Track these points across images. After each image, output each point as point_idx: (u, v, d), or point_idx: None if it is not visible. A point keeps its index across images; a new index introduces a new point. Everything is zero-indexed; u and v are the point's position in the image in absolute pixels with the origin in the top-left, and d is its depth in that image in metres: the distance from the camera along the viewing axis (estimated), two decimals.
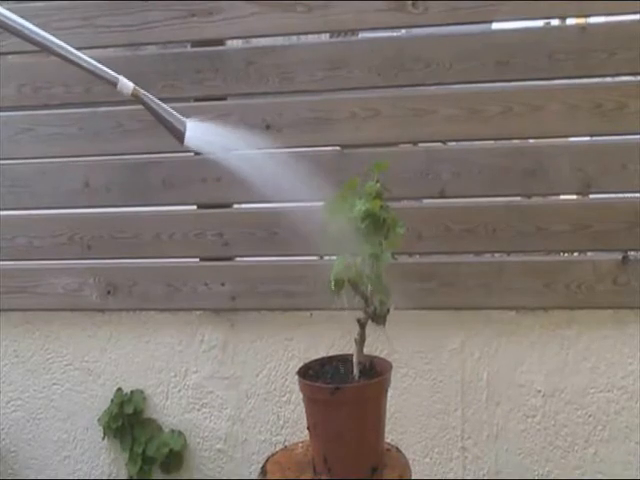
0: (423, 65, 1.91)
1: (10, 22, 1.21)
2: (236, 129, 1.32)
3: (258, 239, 2.04)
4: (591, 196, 1.97)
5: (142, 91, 1.27)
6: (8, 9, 2.11)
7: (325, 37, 2.59)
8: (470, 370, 2.01)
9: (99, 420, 2.21)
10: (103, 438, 2.22)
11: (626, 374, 1.94)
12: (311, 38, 2.46)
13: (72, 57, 1.23)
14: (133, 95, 1.26)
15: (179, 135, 1.29)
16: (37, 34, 1.21)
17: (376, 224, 1.32)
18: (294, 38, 2.37)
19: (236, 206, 2.11)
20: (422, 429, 2.05)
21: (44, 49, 1.23)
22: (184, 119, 1.30)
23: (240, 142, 1.34)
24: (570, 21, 2.02)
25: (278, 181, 1.30)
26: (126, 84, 1.26)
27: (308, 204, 1.34)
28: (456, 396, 2.03)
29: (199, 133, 1.30)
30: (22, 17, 2.08)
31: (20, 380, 2.28)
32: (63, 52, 1.22)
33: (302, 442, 1.55)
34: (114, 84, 1.25)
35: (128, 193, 2.12)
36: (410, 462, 1.48)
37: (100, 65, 1.25)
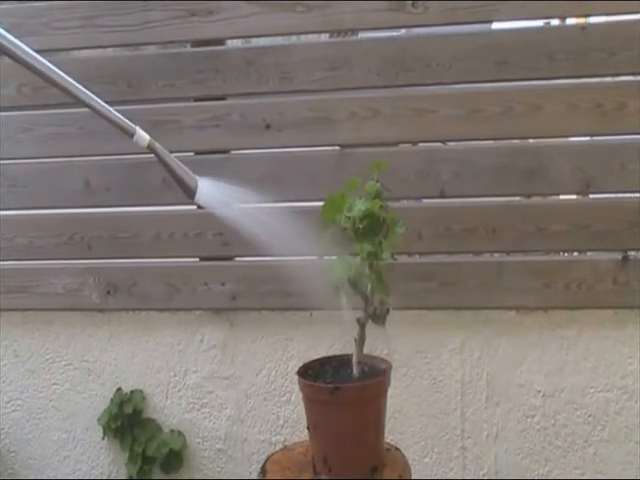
0: (423, 65, 1.91)
1: (36, 65, 1.21)
2: (246, 188, 1.32)
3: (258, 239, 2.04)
4: (591, 196, 1.97)
5: (157, 144, 1.28)
6: (9, 9, 2.11)
7: (325, 37, 2.58)
8: (470, 370, 2.01)
9: (99, 420, 2.21)
10: (103, 438, 2.22)
11: (626, 374, 1.94)
12: (311, 38, 2.45)
13: (92, 102, 1.25)
14: (149, 147, 1.27)
15: (190, 191, 1.30)
16: (61, 78, 1.22)
17: (375, 224, 1.31)
18: (294, 38, 2.37)
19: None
20: (422, 429, 2.05)
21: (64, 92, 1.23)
22: (196, 177, 1.31)
23: (250, 201, 1.34)
24: (570, 21, 2.01)
25: (285, 238, 1.30)
26: (142, 136, 1.27)
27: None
28: (456, 396, 2.03)
29: (210, 191, 1.31)
30: (22, 17, 2.10)
31: (20, 380, 2.28)
32: (85, 98, 1.24)
33: (302, 442, 1.55)
34: (131, 135, 1.26)
35: (128, 193, 2.12)
36: (410, 462, 1.48)
37: (119, 114, 1.25)
